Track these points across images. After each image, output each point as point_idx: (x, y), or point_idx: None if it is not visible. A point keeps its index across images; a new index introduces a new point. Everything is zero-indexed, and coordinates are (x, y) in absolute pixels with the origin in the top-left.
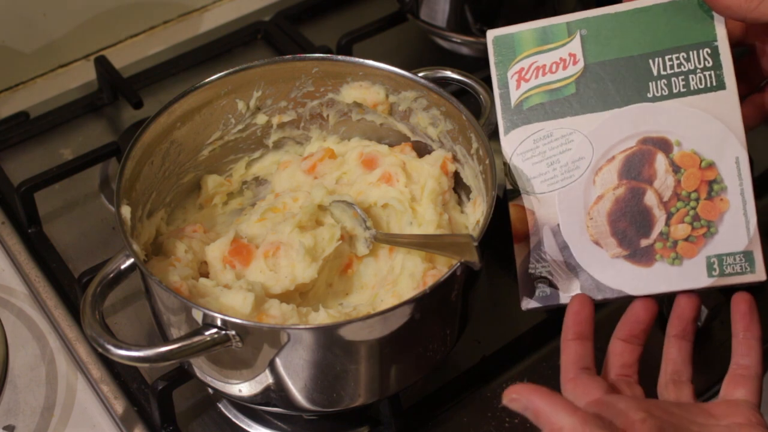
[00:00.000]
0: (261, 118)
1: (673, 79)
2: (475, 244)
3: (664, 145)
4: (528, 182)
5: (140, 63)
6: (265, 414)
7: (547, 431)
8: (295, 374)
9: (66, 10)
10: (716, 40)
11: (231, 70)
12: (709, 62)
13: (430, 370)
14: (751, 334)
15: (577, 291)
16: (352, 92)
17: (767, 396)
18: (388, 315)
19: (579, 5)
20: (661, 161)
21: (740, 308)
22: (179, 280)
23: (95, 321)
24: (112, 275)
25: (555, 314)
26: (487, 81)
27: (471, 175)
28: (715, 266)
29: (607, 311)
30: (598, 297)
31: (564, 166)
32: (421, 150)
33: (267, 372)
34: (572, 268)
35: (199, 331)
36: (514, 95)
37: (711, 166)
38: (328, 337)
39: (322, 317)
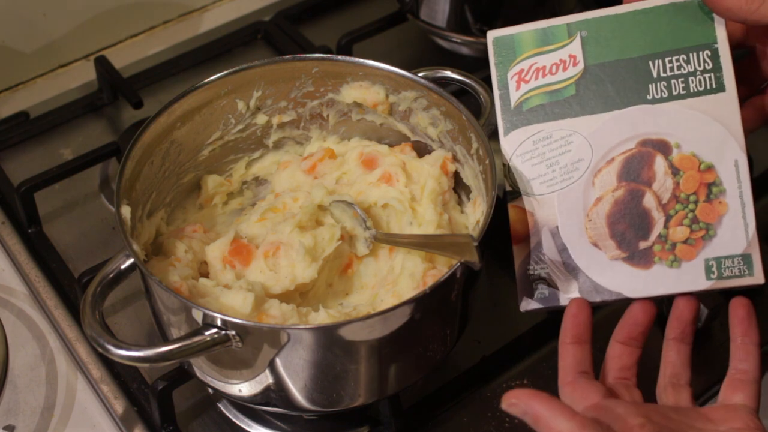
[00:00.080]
0: (261, 118)
1: (672, 81)
2: (475, 244)
3: (663, 147)
4: (527, 184)
5: (140, 63)
6: (265, 414)
7: None
8: (295, 374)
9: (66, 10)
10: (716, 43)
11: (231, 70)
12: (709, 64)
13: (430, 370)
14: (749, 339)
15: (576, 292)
16: (352, 92)
17: (765, 401)
18: (388, 315)
19: (579, 4)
20: (660, 163)
21: (738, 313)
22: (179, 280)
23: (95, 321)
24: (112, 275)
25: (555, 314)
26: (487, 81)
27: (471, 175)
28: (714, 269)
29: (606, 313)
30: (597, 299)
31: (563, 168)
32: (421, 150)
33: (267, 372)
34: (571, 270)
35: (199, 331)
36: (514, 96)
37: (710, 168)
38: (328, 337)
39: (322, 317)
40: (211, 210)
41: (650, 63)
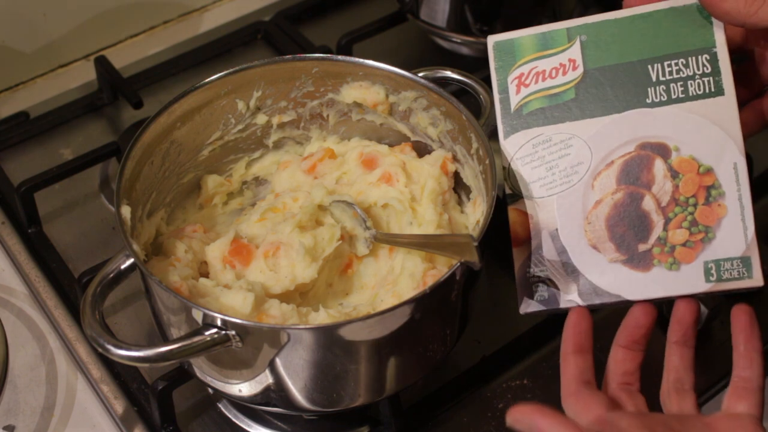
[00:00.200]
0: (261, 118)
1: (672, 84)
2: (475, 244)
3: (662, 150)
4: (527, 186)
5: (140, 63)
6: (265, 414)
7: None
8: (295, 374)
9: (66, 10)
10: (715, 47)
11: (231, 70)
12: (708, 68)
13: (430, 370)
14: (752, 347)
15: (576, 294)
16: (352, 92)
17: None
18: (388, 315)
19: (579, 4)
20: (659, 166)
21: (741, 320)
22: (179, 280)
23: (95, 321)
24: (112, 275)
25: (555, 315)
26: (486, 81)
27: (471, 175)
28: (713, 271)
29: (605, 315)
30: (596, 301)
31: (563, 171)
32: (421, 150)
33: (267, 372)
34: (570, 273)
35: (199, 331)
36: (514, 100)
37: (709, 171)
38: (328, 337)
39: (322, 317)
40: (211, 210)
41: (649, 67)
